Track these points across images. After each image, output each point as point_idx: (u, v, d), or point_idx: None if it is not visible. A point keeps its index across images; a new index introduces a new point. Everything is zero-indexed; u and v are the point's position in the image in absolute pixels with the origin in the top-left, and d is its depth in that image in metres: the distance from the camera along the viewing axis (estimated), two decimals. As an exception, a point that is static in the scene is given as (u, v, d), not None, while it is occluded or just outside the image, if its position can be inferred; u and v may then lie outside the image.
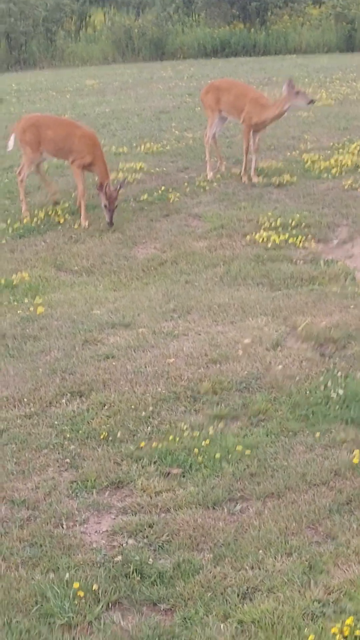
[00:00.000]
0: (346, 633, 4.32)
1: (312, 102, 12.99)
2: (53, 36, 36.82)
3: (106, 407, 6.86)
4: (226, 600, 4.70)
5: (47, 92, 24.77)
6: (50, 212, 12.36)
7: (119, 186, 11.48)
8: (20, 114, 20.28)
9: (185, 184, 13.38)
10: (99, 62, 35.26)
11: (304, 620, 4.50)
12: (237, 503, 5.61)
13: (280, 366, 7.34)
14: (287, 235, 10.77)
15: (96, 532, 5.42)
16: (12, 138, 12.45)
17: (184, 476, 5.92)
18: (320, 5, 39.80)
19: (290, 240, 10.66)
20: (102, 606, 4.70)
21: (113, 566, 5.01)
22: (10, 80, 28.99)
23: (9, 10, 34.94)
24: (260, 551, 5.07)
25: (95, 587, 4.81)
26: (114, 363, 7.59)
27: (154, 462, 6.08)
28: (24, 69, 34.20)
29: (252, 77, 24.74)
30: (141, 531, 5.35)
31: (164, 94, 22.72)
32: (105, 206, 11.53)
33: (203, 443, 6.23)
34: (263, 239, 10.74)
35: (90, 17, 40.70)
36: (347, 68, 26.57)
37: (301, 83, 23.29)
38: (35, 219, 12.11)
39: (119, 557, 5.08)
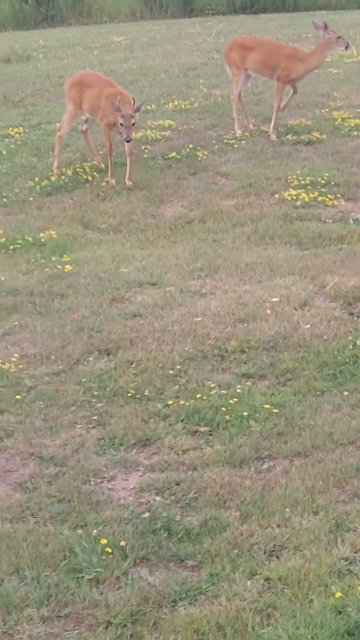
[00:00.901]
0: (373, 591, 4.34)
1: (348, 45, 12.95)
2: (81, -8, 36.56)
3: (133, 365, 6.87)
4: (253, 557, 4.72)
5: (74, 49, 24.62)
6: (78, 170, 12.33)
7: (135, 106, 11.30)
8: (48, 71, 20.24)
9: (213, 141, 13.30)
10: (126, 18, 34.96)
11: (330, 577, 4.52)
12: (264, 461, 5.62)
13: (308, 325, 7.33)
14: (316, 194, 10.71)
15: (124, 488, 5.45)
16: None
17: (211, 434, 5.94)
18: None
19: (319, 199, 10.60)
20: (129, 562, 4.73)
21: (140, 523, 5.04)
22: (38, 36, 28.82)
23: (36, -34, 34.70)
24: (287, 509, 5.09)
25: (122, 543, 4.84)
26: (141, 321, 7.60)
27: (182, 420, 6.10)
28: (51, 25, 33.98)
29: (282, 34, 24.46)
30: (168, 488, 5.38)
31: (192, 50, 22.52)
32: (121, 124, 11.17)
33: (230, 401, 6.24)
34: (292, 197, 10.68)
35: (118, -29, 40.39)
36: (377, 24, 26.23)
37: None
38: (63, 177, 12.10)
39: (147, 514, 5.11)
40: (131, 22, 33.45)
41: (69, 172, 12.25)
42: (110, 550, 4.78)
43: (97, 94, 11.92)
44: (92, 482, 5.50)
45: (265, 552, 4.75)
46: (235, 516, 5.08)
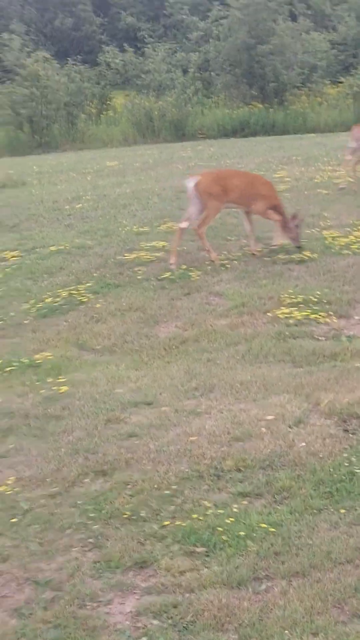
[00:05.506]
0: None
1: None
2: (74, 119, 37.49)
3: (129, 486, 6.85)
4: None
5: (68, 174, 25.09)
6: (73, 292, 12.45)
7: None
8: (42, 196, 20.57)
9: (206, 262, 13.46)
10: (119, 143, 35.78)
11: None
12: (261, 582, 5.56)
13: (303, 443, 7.32)
14: (308, 312, 10.81)
15: (120, 612, 5.38)
16: None
17: (208, 555, 5.89)
18: (338, 85, 40.42)
19: (312, 317, 10.69)
20: None
21: (137, 648, 4.97)
22: (32, 162, 29.41)
23: (31, 94, 35.64)
24: (286, 631, 5.02)
25: (119, 669, 4.77)
26: (136, 442, 7.59)
27: (178, 541, 6.05)
28: (46, 151, 34.72)
29: (271, 156, 25.00)
30: (165, 612, 5.31)
31: (184, 173, 22.92)
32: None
33: (227, 521, 6.20)
34: (284, 315, 10.77)
35: (111, 99, 41.44)
36: (365, 146, 26.76)
37: (320, 161, 23.47)
38: (57, 299, 12.22)
39: (144, 639, 5.04)
40: (124, 147, 34.19)
41: (64, 294, 12.37)
42: None
43: (247, 182, 13.50)
44: (88, 607, 5.43)
45: None
46: (234, 639, 5.01)
